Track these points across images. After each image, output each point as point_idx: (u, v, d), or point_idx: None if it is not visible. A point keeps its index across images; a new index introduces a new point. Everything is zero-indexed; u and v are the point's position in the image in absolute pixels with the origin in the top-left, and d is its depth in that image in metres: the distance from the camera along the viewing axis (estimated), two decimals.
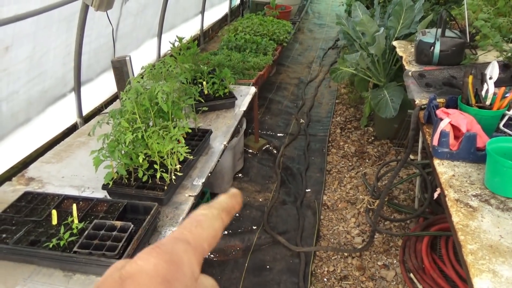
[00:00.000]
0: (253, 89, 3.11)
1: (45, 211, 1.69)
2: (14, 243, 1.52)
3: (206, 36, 5.67)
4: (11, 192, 1.96)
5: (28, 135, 2.59)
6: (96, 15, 2.79)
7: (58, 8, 2.36)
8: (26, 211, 1.69)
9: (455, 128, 1.59)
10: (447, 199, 1.37)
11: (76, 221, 1.59)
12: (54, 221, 1.63)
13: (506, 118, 1.72)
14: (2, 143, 2.39)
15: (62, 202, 1.74)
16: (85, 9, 2.63)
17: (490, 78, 1.67)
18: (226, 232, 2.64)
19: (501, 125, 1.71)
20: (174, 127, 1.86)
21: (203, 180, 2.02)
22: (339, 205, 2.92)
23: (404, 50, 2.88)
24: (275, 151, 3.57)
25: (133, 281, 0.24)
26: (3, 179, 2.27)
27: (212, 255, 2.46)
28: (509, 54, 2.30)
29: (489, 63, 2.11)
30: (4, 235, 1.56)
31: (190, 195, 1.91)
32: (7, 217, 1.67)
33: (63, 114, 2.91)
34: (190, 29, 5.23)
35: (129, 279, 0.24)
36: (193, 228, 0.30)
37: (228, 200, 0.35)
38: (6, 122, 2.39)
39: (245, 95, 3.02)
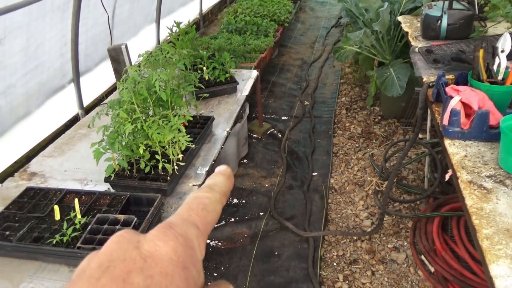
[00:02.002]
0: (255, 73, 3.03)
1: (48, 206, 1.66)
2: (18, 240, 1.51)
3: (205, 20, 5.55)
4: (14, 188, 1.94)
5: (29, 129, 2.56)
6: (91, 2, 2.72)
7: None
8: (29, 207, 1.66)
9: (466, 106, 1.51)
10: (459, 181, 1.31)
11: (79, 216, 1.57)
12: (57, 216, 1.60)
13: None
14: (2, 138, 2.37)
15: (64, 197, 1.72)
16: None
17: (502, 51, 1.59)
18: (233, 219, 2.62)
19: None
20: (174, 116, 1.81)
21: (207, 169, 1.98)
22: (347, 188, 2.87)
23: (409, 25, 2.77)
24: (280, 135, 3.52)
25: (154, 262, 0.23)
26: (6, 174, 2.26)
27: (219, 243, 2.45)
28: None
29: (500, 35, 2.02)
30: (7, 233, 1.54)
31: (194, 185, 1.88)
32: (10, 213, 1.65)
33: (63, 106, 2.87)
34: (189, 13, 5.12)
35: (149, 258, 0.24)
36: (200, 211, 0.29)
37: (227, 182, 0.35)
38: (5, 117, 2.36)
39: (247, 79, 2.95)
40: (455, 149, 1.46)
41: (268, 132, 3.55)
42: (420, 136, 3.03)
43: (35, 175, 2.04)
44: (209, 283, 0.30)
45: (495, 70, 1.59)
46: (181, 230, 0.26)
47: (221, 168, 0.37)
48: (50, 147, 2.30)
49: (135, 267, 0.23)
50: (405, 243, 2.37)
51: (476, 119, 1.45)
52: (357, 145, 3.35)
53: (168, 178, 1.78)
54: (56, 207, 1.61)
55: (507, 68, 1.58)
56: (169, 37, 3.96)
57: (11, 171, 2.32)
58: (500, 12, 2.17)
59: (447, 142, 1.51)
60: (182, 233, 0.26)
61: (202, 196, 0.31)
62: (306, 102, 4.05)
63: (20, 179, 2.02)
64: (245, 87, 2.82)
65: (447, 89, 1.58)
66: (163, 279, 0.23)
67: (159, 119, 1.76)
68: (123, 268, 0.23)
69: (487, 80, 1.59)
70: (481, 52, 1.58)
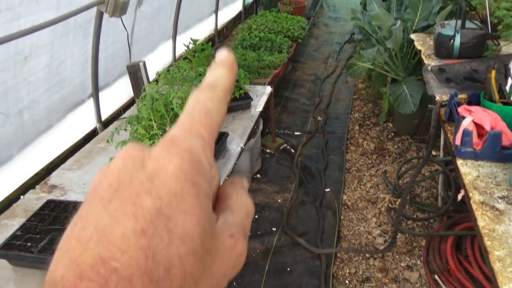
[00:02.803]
0: (269, 89, 3.08)
1: (67, 219, 1.72)
2: (39, 252, 1.56)
3: (220, 35, 5.67)
4: (35, 200, 2.01)
5: (49, 142, 2.64)
6: (111, 21, 2.82)
7: (74, 17, 2.39)
8: (49, 219, 1.72)
9: (478, 126, 1.53)
10: (471, 201, 1.32)
11: None
12: None
13: None
14: (25, 151, 2.46)
15: None
16: (99, 16, 2.66)
17: None
18: None
19: None
20: None
21: (221, 184, 2.02)
22: (360, 205, 2.87)
23: (422, 43, 2.80)
24: (292, 151, 3.55)
25: (162, 182, 0.23)
26: (28, 186, 2.34)
27: None
28: None
29: None
30: (29, 244, 1.60)
31: None
32: (32, 225, 1.71)
33: (82, 120, 2.96)
34: (204, 29, 5.24)
35: (156, 179, 0.23)
36: (203, 118, 0.27)
37: (230, 74, 0.30)
38: (28, 130, 2.45)
39: (261, 95, 3.00)
40: (467, 169, 1.47)
41: (281, 147, 3.59)
42: (433, 153, 3.02)
43: (55, 188, 2.11)
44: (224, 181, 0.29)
45: (507, 91, 1.61)
46: (185, 145, 0.25)
47: (221, 56, 0.32)
48: (70, 160, 2.38)
49: (143, 189, 0.22)
50: (419, 262, 2.36)
51: (488, 140, 1.46)
52: (370, 161, 3.35)
53: None
54: None
55: None
56: (184, 53, 4.07)
57: (31, 183, 2.40)
58: None
59: (459, 162, 1.52)
60: (187, 148, 0.25)
61: (203, 99, 0.28)
62: (319, 118, 4.08)
63: (41, 191, 2.09)
64: (259, 103, 2.87)
65: (460, 109, 1.60)
66: (172, 199, 0.22)
67: None
68: (131, 191, 0.22)
69: (500, 100, 1.60)
70: (493, 73, 1.60)
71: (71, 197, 2.01)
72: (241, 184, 0.29)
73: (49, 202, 1.85)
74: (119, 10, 2.56)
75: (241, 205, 0.27)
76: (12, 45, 2.02)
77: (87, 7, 2.43)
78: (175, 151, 0.24)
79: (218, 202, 0.27)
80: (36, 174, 2.49)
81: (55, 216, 1.74)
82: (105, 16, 2.66)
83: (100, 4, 2.50)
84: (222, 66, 0.31)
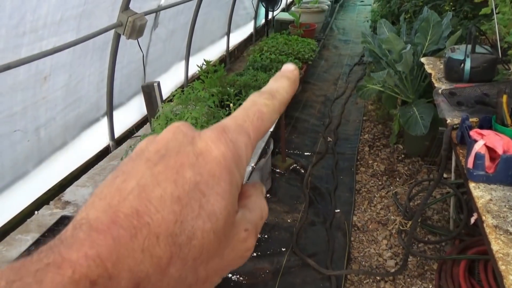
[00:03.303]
0: None
1: None
2: None
3: (232, 56, 5.78)
4: (48, 215, 2.04)
5: (64, 159, 2.70)
6: (128, 42, 2.91)
7: (93, 38, 2.47)
8: None
9: (490, 149, 1.54)
10: (485, 225, 1.31)
11: None
12: None
13: None
14: (40, 167, 2.51)
15: None
16: (117, 37, 2.75)
17: None
18: (254, 254, 2.63)
19: None
20: None
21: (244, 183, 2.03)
22: (370, 226, 2.85)
23: (432, 66, 2.83)
24: (302, 171, 3.55)
25: (205, 161, 0.24)
26: (41, 201, 2.38)
27: (241, 278, 2.45)
28: None
29: None
30: None
31: None
32: (46, 241, 1.73)
33: (96, 138, 3.02)
34: (216, 50, 5.36)
35: (201, 156, 0.24)
36: (255, 119, 0.29)
37: (290, 89, 0.32)
38: (44, 147, 2.51)
39: None
40: (480, 192, 1.47)
41: (291, 168, 3.60)
42: (444, 175, 3.01)
43: (68, 204, 2.14)
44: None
45: None
46: (233, 136, 0.27)
47: (288, 67, 0.34)
48: (84, 177, 2.42)
49: (188, 161, 0.24)
50: (430, 286, 2.32)
51: (501, 164, 1.46)
52: (380, 183, 3.34)
53: None
54: None
55: None
56: (197, 73, 4.14)
57: (45, 198, 2.44)
58: None
59: (471, 185, 1.52)
60: (233, 140, 0.26)
61: (261, 104, 0.30)
62: (329, 138, 4.10)
63: (55, 207, 2.12)
64: None
65: (471, 132, 1.61)
66: (210, 178, 0.24)
67: None
68: (177, 160, 0.24)
69: None
70: (504, 98, 1.61)
71: None
72: (261, 189, 0.31)
73: (62, 218, 1.88)
74: (136, 32, 2.65)
75: (258, 207, 0.29)
76: (33, 65, 2.09)
77: (106, 30, 2.52)
78: (224, 139, 0.26)
79: (239, 198, 0.28)
80: (50, 190, 2.54)
81: None
82: (122, 37, 2.75)
83: (118, 27, 2.59)
84: (286, 79, 0.33)
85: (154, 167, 0.23)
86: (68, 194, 2.25)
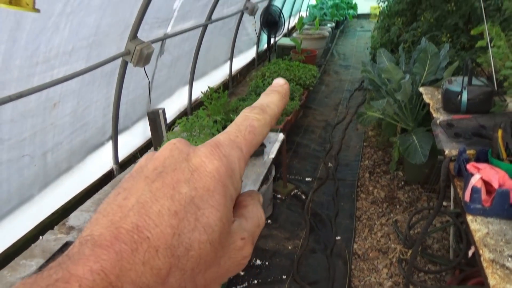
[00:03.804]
0: (281, 136, 3.18)
1: None
2: None
3: (234, 80, 5.89)
4: (53, 240, 2.06)
5: (69, 183, 2.73)
6: (134, 69, 2.99)
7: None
8: None
9: (487, 183, 1.58)
10: (482, 259, 1.34)
11: None
12: None
13: None
14: (45, 191, 2.55)
15: None
16: (124, 65, 2.84)
17: None
18: (255, 281, 2.63)
19: None
20: None
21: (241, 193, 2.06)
22: (370, 254, 2.86)
23: (431, 96, 2.90)
24: (303, 197, 3.58)
25: (200, 176, 0.26)
26: (45, 225, 2.40)
27: None
28: None
29: None
30: None
31: None
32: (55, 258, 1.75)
33: (100, 161, 3.07)
34: (219, 75, 5.47)
35: (196, 172, 0.26)
36: (247, 133, 0.30)
37: (281, 103, 0.34)
38: (50, 171, 2.55)
39: (273, 142, 3.09)
40: (477, 225, 1.51)
41: (292, 193, 3.63)
42: (444, 203, 3.03)
43: (73, 229, 2.17)
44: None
45: None
46: (226, 151, 0.28)
47: (279, 82, 0.35)
48: (88, 202, 2.45)
49: (183, 177, 0.25)
50: None
51: (497, 197, 1.50)
52: (380, 210, 3.36)
53: None
54: None
55: None
56: (200, 97, 4.23)
57: (48, 222, 2.47)
58: None
59: (469, 217, 1.56)
60: (226, 154, 0.28)
61: (252, 118, 0.31)
62: (330, 164, 4.14)
63: (59, 232, 2.14)
64: (271, 150, 2.95)
65: (468, 166, 1.66)
66: (205, 192, 0.25)
67: None
68: (173, 177, 0.25)
69: (507, 158, 1.66)
70: (499, 132, 1.67)
71: None
72: (257, 198, 0.32)
73: (67, 243, 1.90)
74: (143, 60, 2.73)
75: (255, 216, 0.30)
76: (44, 93, 2.16)
77: (114, 58, 2.60)
78: (217, 154, 0.27)
79: (236, 208, 0.30)
80: (53, 213, 2.56)
81: None
82: (129, 64, 2.84)
83: (126, 55, 2.68)
84: (276, 93, 0.34)
85: (152, 184, 0.25)
86: (73, 219, 2.28)
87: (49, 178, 2.56)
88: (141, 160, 0.28)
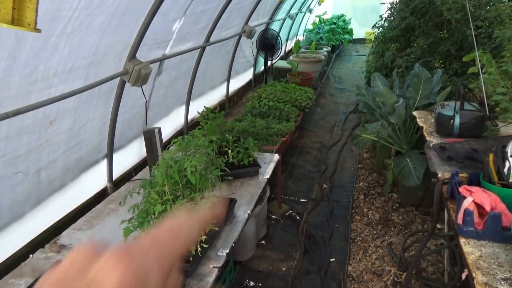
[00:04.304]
0: (276, 157, 3.20)
1: None
2: None
3: (231, 101, 5.95)
4: (43, 259, 2.03)
5: (62, 201, 2.71)
6: (132, 88, 3.02)
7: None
8: None
9: (479, 206, 1.59)
10: (475, 282, 1.34)
11: None
12: None
13: None
14: (38, 208, 2.52)
15: None
16: (122, 84, 2.87)
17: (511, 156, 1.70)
18: None
19: None
20: (201, 199, 1.94)
21: (227, 251, 2.05)
22: (365, 277, 2.83)
23: (424, 120, 2.94)
24: (298, 217, 3.57)
25: None
26: (36, 243, 2.37)
27: None
28: None
29: (511, 136, 2.15)
30: None
31: (214, 266, 1.93)
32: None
33: (94, 180, 3.05)
34: (216, 95, 5.53)
35: (93, 286, 0.25)
36: (169, 240, 0.29)
37: (211, 217, 0.34)
38: (43, 189, 2.54)
39: (268, 162, 3.10)
40: (470, 248, 1.51)
41: (287, 214, 3.61)
42: (438, 226, 3.03)
43: (64, 248, 2.14)
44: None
45: (505, 173, 1.69)
46: (137, 259, 0.27)
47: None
48: (80, 220, 2.43)
49: None
50: None
51: (489, 220, 1.51)
52: (375, 232, 3.35)
53: (191, 259, 1.85)
54: None
55: None
56: (196, 117, 4.25)
57: (39, 240, 2.44)
58: (510, 115, 2.32)
59: (462, 240, 1.56)
60: (137, 261, 0.27)
61: (177, 224, 0.31)
62: (324, 185, 4.15)
63: (50, 251, 2.12)
64: (266, 170, 2.96)
65: (461, 189, 1.67)
66: None
67: (187, 201, 1.89)
68: None
69: (499, 182, 1.68)
70: (491, 157, 1.69)
71: None
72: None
73: (57, 262, 1.87)
74: (141, 80, 2.77)
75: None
76: (41, 110, 2.18)
77: (113, 77, 2.63)
78: (124, 262, 0.26)
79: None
80: (44, 232, 2.53)
81: None
82: (127, 84, 2.87)
83: (124, 75, 2.72)
84: (210, 208, 0.35)
85: None
86: (64, 237, 2.25)
87: (42, 196, 2.54)
88: (49, 270, 0.28)
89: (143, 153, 3.20)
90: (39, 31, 1.32)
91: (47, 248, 2.14)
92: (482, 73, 2.76)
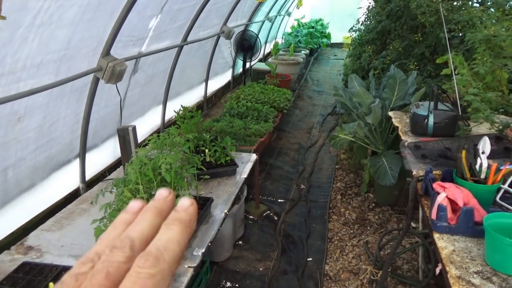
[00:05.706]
0: (254, 156, 3.17)
1: (42, 283, 1.66)
2: None
3: (209, 102, 5.90)
4: (8, 261, 1.94)
5: (31, 201, 2.60)
6: (106, 85, 2.95)
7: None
8: (23, 283, 1.66)
9: (452, 201, 1.61)
10: (448, 275, 1.36)
11: None
12: None
13: (502, 191, 1.75)
14: (4, 209, 2.41)
15: (60, 274, 1.72)
16: (96, 81, 2.79)
17: (483, 152, 1.73)
18: None
19: (497, 198, 1.74)
20: (176, 197, 1.89)
21: (203, 250, 2.01)
22: (342, 276, 2.84)
23: (399, 120, 2.98)
24: (275, 218, 3.56)
25: None
26: (2, 245, 2.26)
27: None
28: (500, 127, 2.39)
29: (482, 135, 2.20)
30: None
31: (189, 266, 1.89)
32: None
33: (66, 180, 2.95)
34: (194, 96, 5.47)
35: None
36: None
37: (184, 237, 0.27)
38: (10, 189, 2.43)
39: (246, 162, 3.08)
40: (443, 243, 1.53)
41: (264, 214, 3.59)
42: (413, 225, 3.08)
43: (31, 249, 2.05)
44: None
45: (477, 170, 1.72)
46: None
47: (183, 205, 0.27)
48: (50, 221, 2.34)
49: None
50: None
51: (461, 215, 1.53)
52: (352, 231, 3.37)
53: None
54: (51, 284, 1.61)
55: (488, 167, 1.71)
56: (174, 117, 4.19)
57: (6, 243, 2.32)
58: (481, 115, 2.38)
59: (436, 235, 1.58)
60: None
61: (144, 276, 0.24)
62: (302, 186, 4.15)
63: (16, 252, 2.02)
64: (244, 170, 2.93)
65: (434, 185, 1.69)
66: None
67: None
68: None
69: (471, 178, 1.71)
70: (463, 153, 1.72)
71: (48, 259, 1.95)
72: None
73: (24, 264, 1.79)
74: (116, 77, 2.70)
75: None
76: (8, 106, 2.08)
77: (85, 74, 2.55)
78: None
79: None
80: (12, 233, 2.42)
81: (29, 280, 1.68)
82: (101, 81, 2.79)
83: (98, 71, 2.64)
84: (178, 223, 0.27)
85: None
86: (32, 238, 2.16)
87: (9, 196, 2.43)
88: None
89: (118, 153, 3.12)
90: (3, 18, 1.26)
91: (13, 249, 2.04)
92: (455, 75, 2.83)
